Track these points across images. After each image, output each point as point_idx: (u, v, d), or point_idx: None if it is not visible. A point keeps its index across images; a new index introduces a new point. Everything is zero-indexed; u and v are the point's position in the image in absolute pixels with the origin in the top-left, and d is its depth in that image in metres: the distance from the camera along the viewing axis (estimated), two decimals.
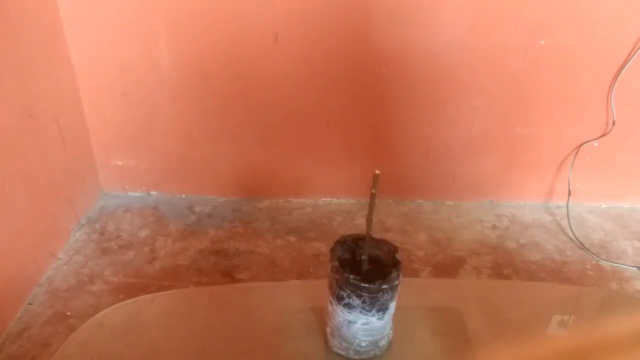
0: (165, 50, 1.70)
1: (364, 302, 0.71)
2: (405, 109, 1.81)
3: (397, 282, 0.72)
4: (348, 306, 0.72)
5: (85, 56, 1.71)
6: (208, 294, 1.00)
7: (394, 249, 0.76)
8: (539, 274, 1.66)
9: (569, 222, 1.87)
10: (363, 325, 0.74)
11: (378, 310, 0.72)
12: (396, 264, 0.73)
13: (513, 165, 1.93)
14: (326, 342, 0.81)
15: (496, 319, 0.91)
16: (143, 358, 0.82)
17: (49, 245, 1.64)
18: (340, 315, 0.74)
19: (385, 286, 0.70)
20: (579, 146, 1.86)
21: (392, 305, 0.75)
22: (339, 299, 0.73)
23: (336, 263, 0.74)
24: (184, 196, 2.00)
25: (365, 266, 0.75)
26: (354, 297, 0.71)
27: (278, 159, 1.93)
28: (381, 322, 0.74)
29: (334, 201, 2.00)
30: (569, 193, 1.92)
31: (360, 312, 0.72)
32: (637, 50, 1.65)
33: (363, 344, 0.76)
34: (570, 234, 1.83)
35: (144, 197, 1.99)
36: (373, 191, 0.68)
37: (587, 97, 1.77)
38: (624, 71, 1.69)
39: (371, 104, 1.80)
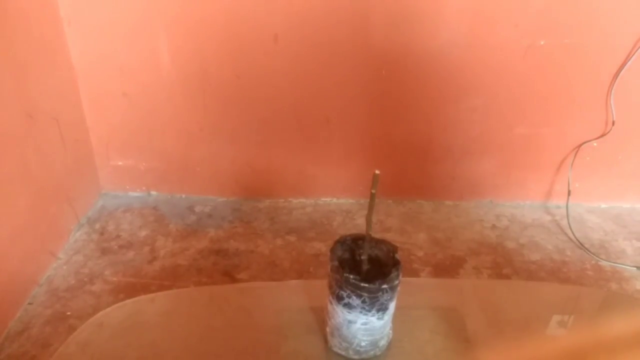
0: (166, 50, 1.70)
1: (363, 302, 0.71)
2: (405, 109, 1.81)
3: (396, 282, 0.72)
4: (348, 306, 0.72)
5: (86, 56, 1.71)
6: (208, 294, 1.00)
7: (393, 249, 0.76)
8: (539, 274, 1.66)
9: (568, 222, 1.87)
10: (363, 325, 0.74)
11: (378, 310, 0.72)
12: (396, 263, 0.73)
13: (513, 165, 1.93)
14: (326, 342, 0.81)
15: (496, 319, 0.91)
16: (143, 358, 0.82)
17: (49, 245, 1.64)
18: (340, 315, 0.74)
19: (385, 286, 0.70)
20: (579, 146, 1.86)
21: (392, 305, 0.75)
22: (339, 298, 0.73)
23: (336, 263, 0.73)
24: (183, 196, 2.00)
25: (365, 266, 0.75)
26: (354, 297, 0.71)
27: (278, 159, 1.93)
28: (381, 322, 0.74)
29: (333, 201, 2.00)
30: (569, 193, 1.92)
31: (360, 312, 0.72)
32: (636, 51, 1.65)
33: (363, 343, 0.76)
34: (570, 234, 1.83)
35: (143, 197, 1.99)
36: (373, 191, 0.68)
37: (586, 97, 1.77)
38: (623, 71, 1.69)
39: (371, 104, 1.80)
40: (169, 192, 2.00)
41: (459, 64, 1.71)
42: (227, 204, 1.97)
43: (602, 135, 1.83)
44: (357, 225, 1.88)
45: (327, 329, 0.80)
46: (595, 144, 1.85)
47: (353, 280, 0.70)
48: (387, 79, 1.73)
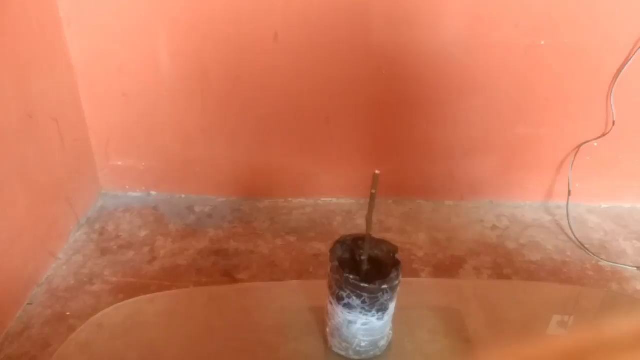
0: (165, 49, 1.69)
1: (363, 302, 0.71)
2: (405, 108, 1.81)
3: (396, 282, 0.72)
4: (348, 306, 0.72)
5: (85, 56, 1.71)
6: (208, 294, 1.00)
7: (393, 249, 0.76)
8: (539, 274, 1.66)
9: (568, 222, 1.87)
10: (363, 325, 0.74)
11: (378, 311, 0.72)
12: (396, 264, 0.73)
13: (513, 165, 1.92)
14: (326, 342, 0.81)
15: (496, 319, 0.91)
16: (143, 358, 0.82)
17: (48, 245, 1.63)
18: (340, 315, 0.74)
19: (385, 286, 0.70)
20: (579, 146, 1.86)
21: (392, 306, 0.75)
22: (339, 299, 0.73)
23: (336, 263, 0.74)
24: (183, 196, 2.00)
25: (365, 266, 0.75)
26: (354, 297, 0.71)
27: (278, 159, 1.93)
28: (381, 322, 0.74)
29: (333, 201, 2.00)
30: (569, 193, 1.92)
31: (360, 312, 0.72)
32: (637, 50, 1.65)
33: (363, 344, 0.76)
34: (570, 234, 1.83)
35: (143, 197, 1.99)
36: (373, 191, 0.68)
37: (587, 97, 1.77)
38: (624, 71, 1.69)
39: (371, 103, 1.80)
40: (169, 192, 2.00)
41: (460, 64, 1.71)
42: (226, 204, 1.97)
43: (602, 135, 1.83)
44: (357, 225, 1.87)
45: (327, 329, 0.80)
46: (595, 144, 1.84)
47: (353, 281, 0.70)
48: (387, 79, 1.73)
